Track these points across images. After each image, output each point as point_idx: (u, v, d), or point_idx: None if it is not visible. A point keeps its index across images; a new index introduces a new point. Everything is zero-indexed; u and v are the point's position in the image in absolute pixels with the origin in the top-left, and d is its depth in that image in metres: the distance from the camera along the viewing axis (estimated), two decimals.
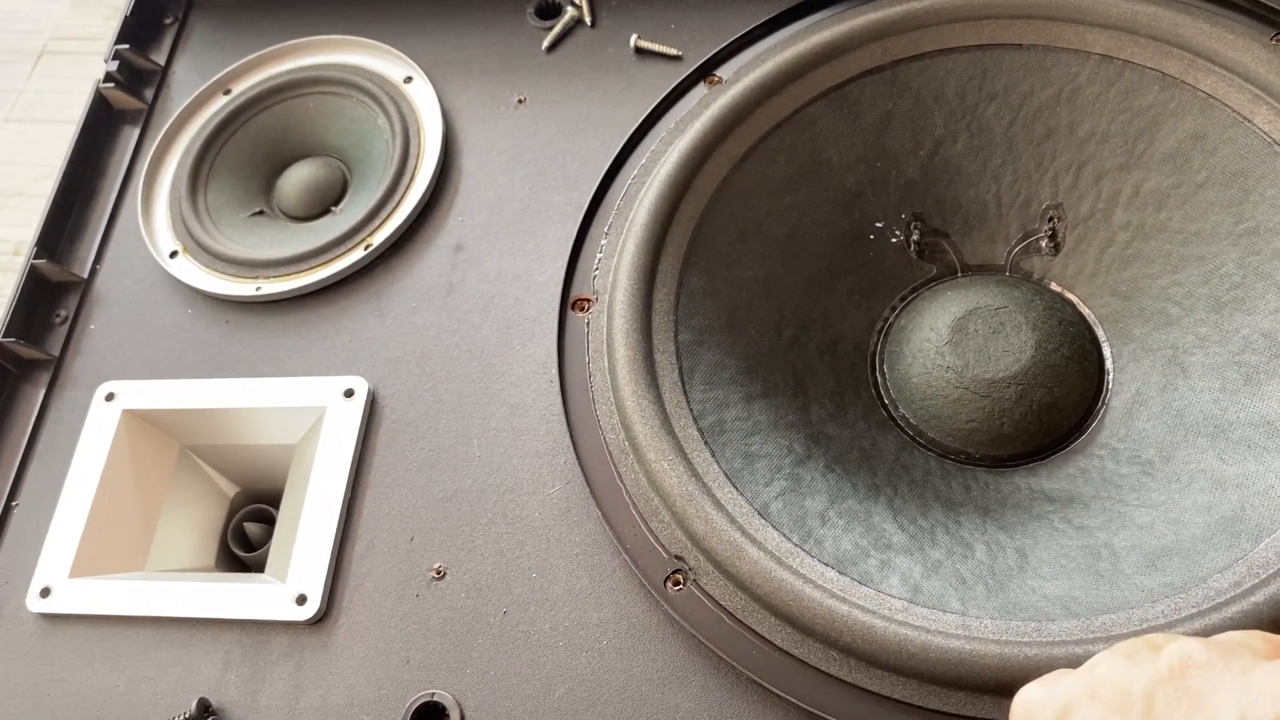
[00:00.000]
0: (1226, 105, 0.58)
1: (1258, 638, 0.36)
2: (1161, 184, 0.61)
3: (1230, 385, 0.56)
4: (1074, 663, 0.46)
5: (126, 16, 0.79)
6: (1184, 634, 0.46)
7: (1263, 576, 0.47)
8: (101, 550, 0.61)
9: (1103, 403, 0.61)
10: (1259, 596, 0.46)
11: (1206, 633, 0.46)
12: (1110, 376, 0.61)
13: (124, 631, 0.58)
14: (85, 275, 0.71)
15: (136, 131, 0.77)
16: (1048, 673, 0.41)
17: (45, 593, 0.59)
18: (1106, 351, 0.62)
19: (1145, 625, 0.47)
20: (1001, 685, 0.47)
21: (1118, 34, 0.61)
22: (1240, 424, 0.54)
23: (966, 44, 0.64)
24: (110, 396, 0.65)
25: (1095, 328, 0.63)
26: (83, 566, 0.60)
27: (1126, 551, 0.52)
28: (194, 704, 0.54)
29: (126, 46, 0.78)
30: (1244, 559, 0.48)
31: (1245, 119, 0.58)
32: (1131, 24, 0.61)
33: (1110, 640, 0.47)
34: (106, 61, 0.77)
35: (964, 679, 0.48)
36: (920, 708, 0.48)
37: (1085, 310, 0.63)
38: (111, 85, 0.76)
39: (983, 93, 0.64)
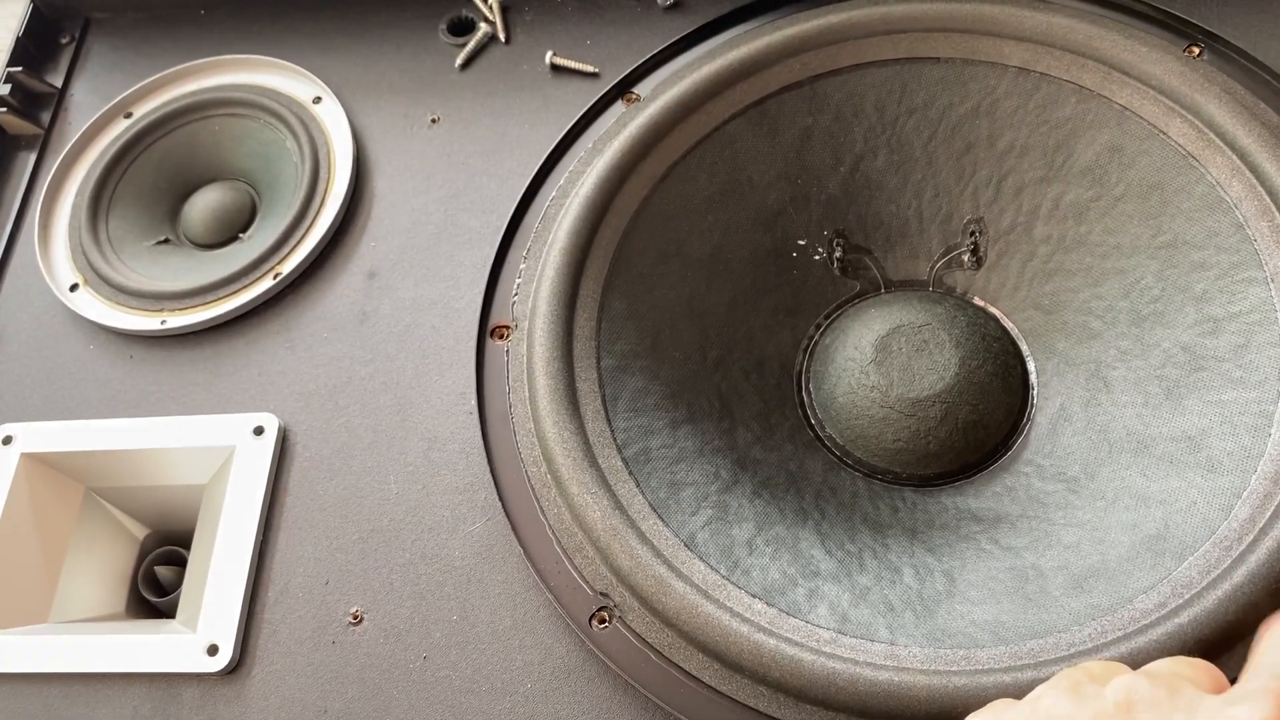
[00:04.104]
0: (1142, 118, 0.58)
1: (1192, 667, 0.36)
2: (1081, 197, 0.61)
3: (1152, 400, 0.56)
4: (1002, 692, 0.46)
5: (19, 36, 0.76)
6: (1112, 659, 0.46)
7: (1186, 597, 0.47)
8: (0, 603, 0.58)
9: (1028, 418, 0.61)
10: (1183, 618, 0.46)
11: (1133, 656, 0.45)
12: (1034, 391, 0.61)
13: (24, 690, 0.56)
14: None
15: (33, 157, 0.74)
16: (987, 704, 0.40)
17: None
18: (1030, 366, 0.62)
19: (1073, 650, 0.47)
20: (931, 716, 0.46)
21: (1034, 46, 0.61)
22: (1162, 439, 0.54)
23: (884, 58, 0.63)
24: (8, 440, 0.62)
25: (1019, 342, 0.63)
26: None
27: (1053, 573, 0.52)
28: None
29: (20, 69, 0.74)
30: (1168, 579, 0.48)
31: (1160, 131, 0.58)
32: (1047, 36, 0.60)
33: (1039, 666, 0.46)
34: None
35: (893, 711, 0.47)
36: None
37: (1008, 324, 0.63)
38: (4, 110, 0.73)
39: (902, 107, 0.63)
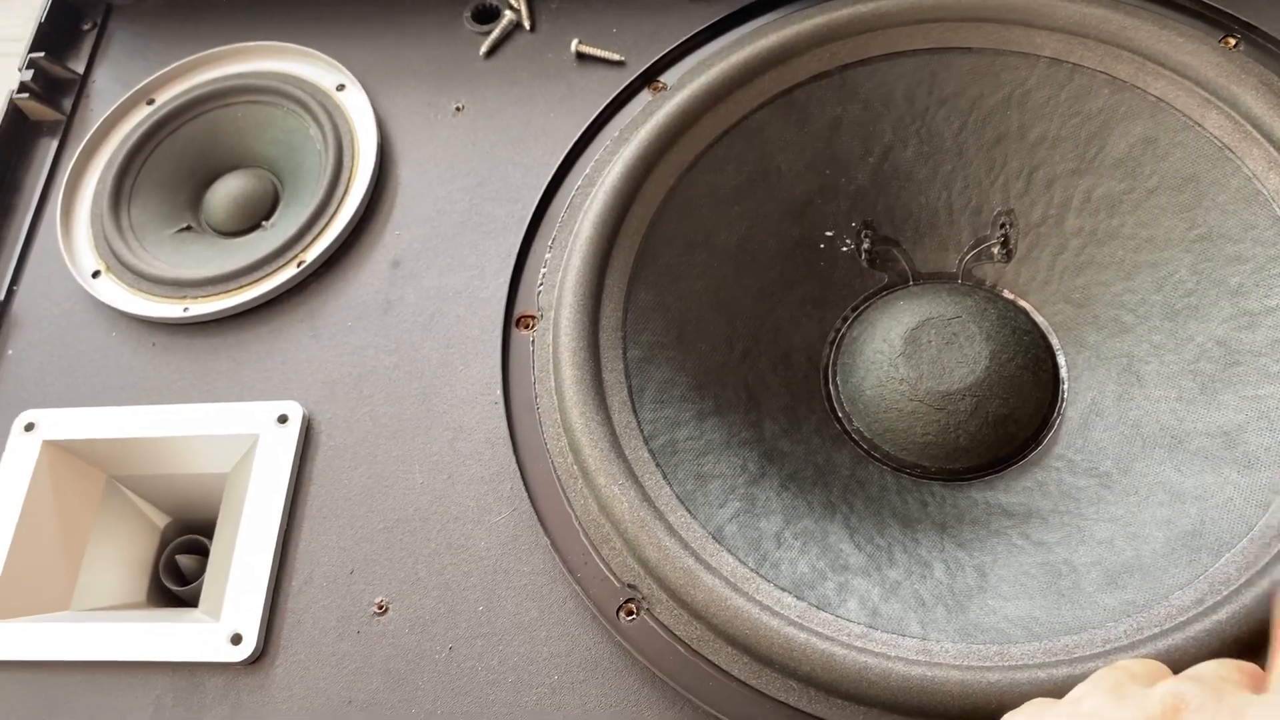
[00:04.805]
0: (1176, 109, 0.58)
1: (1239, 670, 0.36)
2: (1113, 189, 0.60)
3: (1186, 394, 0.55)
4: (1037, 688, 0.45)
5: (41, 22, 0.76)
6: (1149, 656, 0.45)
7: (1224, 593, 0.46)
8: (22, 590, 0.58)
9: (1058, 413, 0.60)
10: (1221, 614, 0.45)
11: (1170, 653, 0.45)
12: (1065, 386, 0.60)
13: (47, 678, 0.55)
14: (1, 298, 0.67)
15: (54, 144, 0.73)
16: (1024, 703, 0.40)
17: None
18: (1061, 360, 0.61)
19: (1108, 647, 0.46)
20: (965, 713, 0.46)
21: (1067, 37, 0.60)
22: (1197, 434, 0.54)
23: (915, 48, 0.62)
24: (30, 427, 0.62)
25: (1049, 335, 0.62)
26: (1, 608, 0.57)
27: (1087, 568, 0.51)
28: None
29: (42, 54, 0.74)
30: (1205, 575, 0.48)
31: (1195, 123, 0.57)
32: (1080, 27, 0.60)
33: (1074, 663, 0.46)
34: (21, 70, 0.73)
35: (925, 706, 0.46)
36: None
37: (1039, 318, 0.63)
38: (26, 95, 0.72)
39: (932, 97, 0.63)
